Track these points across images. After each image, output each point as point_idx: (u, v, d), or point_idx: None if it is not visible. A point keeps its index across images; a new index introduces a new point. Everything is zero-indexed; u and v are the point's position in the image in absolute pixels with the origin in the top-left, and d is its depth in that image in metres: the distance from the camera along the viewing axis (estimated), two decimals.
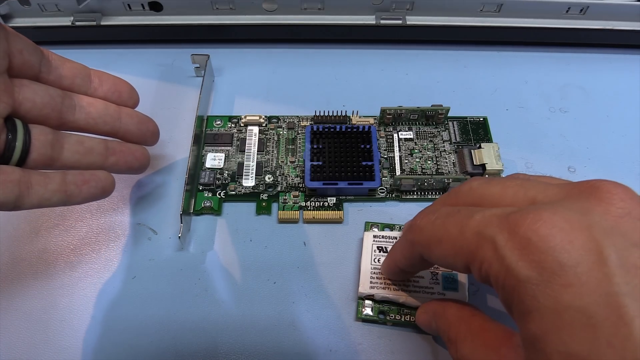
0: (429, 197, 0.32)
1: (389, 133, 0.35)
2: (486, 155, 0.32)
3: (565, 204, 0.18)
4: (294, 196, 0.32)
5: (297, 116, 0.36)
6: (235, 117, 0.36)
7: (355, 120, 0.36)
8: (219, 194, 0.33)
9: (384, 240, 0.29)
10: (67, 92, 0.27)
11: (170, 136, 0.36)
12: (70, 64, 0.27)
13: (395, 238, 0.29)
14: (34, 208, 0.24)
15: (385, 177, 0.33)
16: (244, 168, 0.34)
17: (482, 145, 0.33)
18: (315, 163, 0.32)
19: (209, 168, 0.34)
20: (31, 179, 0.24)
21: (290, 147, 0.35)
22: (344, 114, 0.35)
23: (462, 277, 0.28)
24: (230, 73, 0.40)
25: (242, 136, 0.35)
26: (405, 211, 0.32)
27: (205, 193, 0.33)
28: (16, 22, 0.39)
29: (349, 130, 0.33)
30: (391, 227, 0.31)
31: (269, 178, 0.33)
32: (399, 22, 0.39)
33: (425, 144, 0.35)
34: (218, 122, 0.36)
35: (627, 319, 0.15)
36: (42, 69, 0.26)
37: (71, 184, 0.25)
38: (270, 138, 0.35)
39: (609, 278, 0.15)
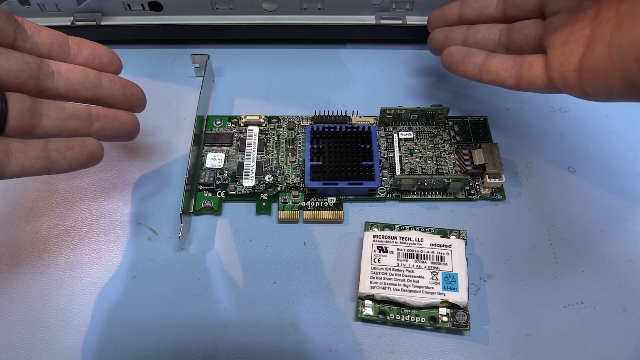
0: (429, 197, 0.32)
1: (389, 133, 0.35)
2: (486, 155, 0.32)
3: None
4: (294, 196, 0.32)
5: (297, 116, 0.36)
6: (235, 117, 0.36)
7: (355, 120, 0.36)
8: (219, 194, 0.33)
9: (384, 240, 0.29)
10: (45, 59, 0.26)
11: (170, 136, 0.36)
12: (46, 32, 0.27)
13: (396, 238, 0.29)
14: (17, 176, 0.24)
15: (385, 177, 0.33)
16: (244, 168, 0.34)
17: (482, 145, 0.33)
18: (315, 163, 0.32)
19: (209, 168, 0.34)
20: (10, 146, 0.23)
21: (290, 147, 0.35)
22: (344, 114, 0.35)
23: (462, 277, 0.28)
24: (230, 73, 0.40)
25: (242, 136, 0.35)
26: (405, 211, 0.32)
27: (205, 193, 0.33)
28: None
29: (349, 130, 0.33)
30: (391, 227, 0.31)
31: (269, 178, 0.33)
32: (399, 22, 0.39)
33: (425, 144, 0.35)
34: (218, 122, 0.36)
35: None
36: (18, 37, 0.26)
37: (54, 151, 0.25)
38: (270, 138, 0.35)
39: None
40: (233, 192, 0.33)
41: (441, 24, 0.34)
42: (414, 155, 0.34)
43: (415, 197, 0.33)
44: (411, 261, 0.29)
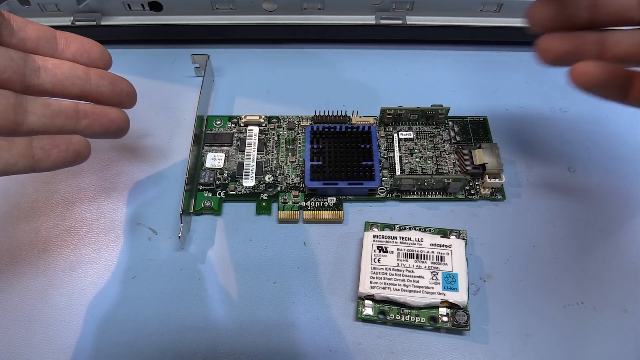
0: (429, 197, 0.32)
1: (389, 133, 0.35)
2: (486, 155, 0.32)
3: None
4: (294, 196, 0.32)
5: (297, 116, 0.36)
6: (235, 117, 0.36)
7: (355, 120, 0.36)
8: (219, 194, 0.33)
9: (384, 240, 0.29)
10: (31, 55, 0.26)
11: (170, 136, 0.36)
12: (33, 26, 0.26)
13: (396, 238, 0.29)
14: (0, 175, 0.23)
15: (385, 177, 0.33)
16: (244, 168, 0.34)
17: (482, 145, 0.33)
18: (315, 163, 0.32)
19: (209, 168, 0.34)
20: None
21: (290, 147, 0.35)
22: (344, 114, 0.35)
23: (462, 277, 0.28)
24: (230, 73, 0.40)
25: (242, 136, 0.35)
26: (405, 211, 0.32)
27: (205, 193, 0.33)
28: None
29: (349, 130, 0.33)
30: (391, 227, 0.31)
31: (269, 178, 0.33)
32: (399, 22, 0.39)
33: (425, 144, 0.35)
34: (218, 122, 0.36)
35: None
36: (4, 31, 0.25)
37: (38, 149, 0.24)
38: (270, 138, 0.35)
39: None
40: (233, 192, 0.33)
41: (559, 27, 0.25)
42: (414, 155, 0.34)
43: (415, 197, 0.33)
44: (411, 261, 0.29)
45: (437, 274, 0.28)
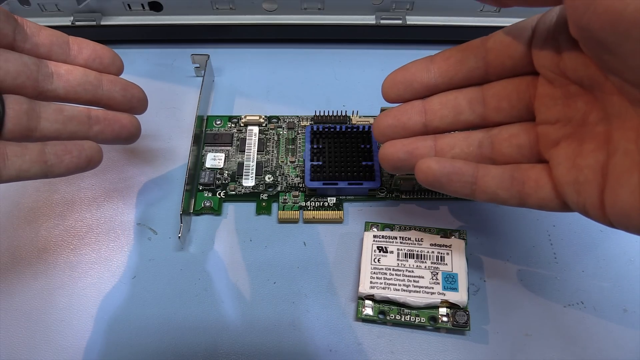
0: (429, 197, 0.32)
1: None
2: None
3: None
4: (294, 196, 0.32)
5: (297, 116, 0.36)
6: (235, 117, 0.36)
7: (355, 120, 0.36)
8: (219, 194, 0.33)
9: (384, 240, 0.29)
10: (44, 60, 0.26)
11: (170, 136, 0.36)
12: (46, 32, 0.27)
13: (395, 238, 0.29)
14: (13, 180, 0.24)
15: (385, 177, 0.33)
16: (244, 168, 0.34)
17: None
18: (315, 163, 0.32)
19: (209, 168, 0.34)
20: (7, 149, 0.23)
21: (290, 147, 0.35)
22: (344, 114, 0.35)
23: (462, 277, 0.28)
24: (230, 73, 0.40)
25: (242, 136, 0.35)
26: (405, 211, 0.32)
27: (205, 193, 0.33)
28: None
29: (349, 130, 0.33)
30: (391, 227, 0.31)
31: (269, 178, 0.33)
32: (399, 22, 0.39)
33: None
34: (218, 122, 0.36)
35: None
36: (17, 37, 0.25)
37: (51, 154, 0.25)
38: (270, 138, 0.35)
39: None
40: (233, 192, 0.33)
41: (398, 136, 0.26)
42: None
43: (415, 197, 0.33)
44: (411, 261, 0.29)
45: (437, 274, 0.28)
